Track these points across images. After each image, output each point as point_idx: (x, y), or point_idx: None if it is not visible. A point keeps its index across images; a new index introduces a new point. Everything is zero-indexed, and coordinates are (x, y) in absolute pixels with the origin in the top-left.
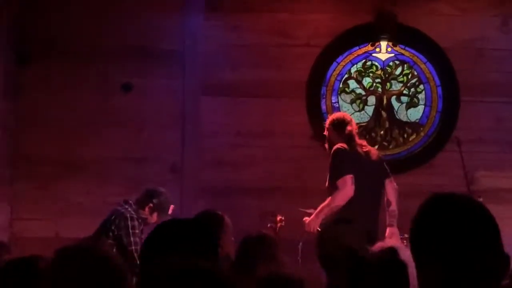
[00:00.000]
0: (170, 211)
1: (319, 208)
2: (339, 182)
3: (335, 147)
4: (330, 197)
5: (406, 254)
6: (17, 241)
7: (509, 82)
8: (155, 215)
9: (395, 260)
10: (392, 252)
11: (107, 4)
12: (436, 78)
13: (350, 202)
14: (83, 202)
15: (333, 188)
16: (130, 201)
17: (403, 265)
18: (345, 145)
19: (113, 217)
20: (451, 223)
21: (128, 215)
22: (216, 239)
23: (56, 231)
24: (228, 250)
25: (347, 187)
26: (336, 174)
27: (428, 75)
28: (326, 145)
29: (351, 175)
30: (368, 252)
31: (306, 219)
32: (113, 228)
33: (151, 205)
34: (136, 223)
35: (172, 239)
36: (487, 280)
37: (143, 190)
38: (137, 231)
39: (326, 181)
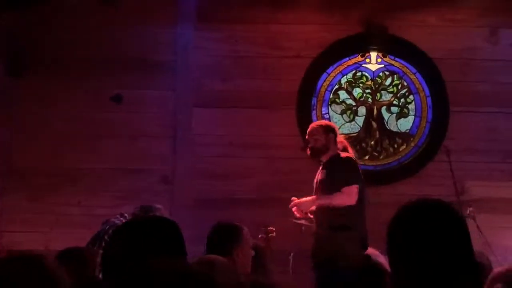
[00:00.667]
0: None
1: (317, 196)
2: (346, 189)
3: (346, 155)
4: (334, 193)
5: (380, 260)
6: (6, 253)
7: (498, 92)
8: None
9: (373, 267)
10: (368, 259)
11: (100, 16)
12: (426, 89)
13: (349, 209)
14: (74, 214)
15: (335, 190)
16: (126, 214)
17: (381, 272)
18: (353, 155)
19: (107, 227)
20: (423, 229)
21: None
22: (182, 238)
23: (46, 243)
24: (242, 262)
25: (352, 196)
26: (345, 180)
27: (418, 85)
28: (310, 151)
29: (358, 186)
30: (364, 258)
31: (294, 199)
32: (106, 237)
33: None
34: None
35: (137, 238)
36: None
37: (140, 206)
38: None
39: (322, 186)
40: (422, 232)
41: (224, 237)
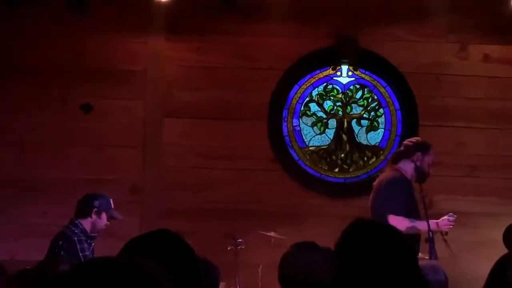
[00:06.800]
0: (113, 205)
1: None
2: None
3: None
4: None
5: None
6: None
7: (467, 107)
8: (103, 216)
9: None
10: None
11: (69, 24)
12: (396, 102)
13: None
14: (40, 224)
15: None
16: (76, 221)
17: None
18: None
19: (60, 242)
20: (370, 248)
21: (75, 238)
22: None
23: (12, 253)
24: None
25: None
26: None
27: (388, 99)
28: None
29: None
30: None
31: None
32: (62, 253)
33: (95, 209)
34: (85, 245)
35: None
36: None
37: (77, 203)
38: (87, 253)
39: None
40: (369, 251)
41: None
